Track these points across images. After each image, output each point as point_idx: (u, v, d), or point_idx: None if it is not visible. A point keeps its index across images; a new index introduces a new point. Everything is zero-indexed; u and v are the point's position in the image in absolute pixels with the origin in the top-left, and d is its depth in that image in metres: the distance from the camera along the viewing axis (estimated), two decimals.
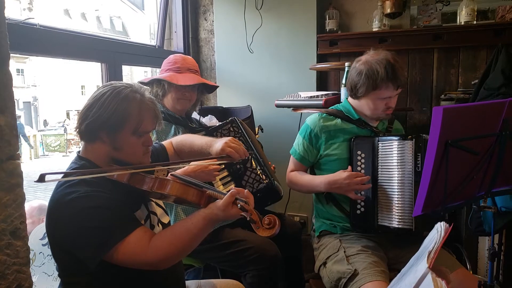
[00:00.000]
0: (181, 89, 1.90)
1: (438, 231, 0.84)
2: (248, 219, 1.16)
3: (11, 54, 0.92)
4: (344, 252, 1.62)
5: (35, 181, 1.00)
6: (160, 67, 2.02)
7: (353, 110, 1.79)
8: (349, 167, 1.69)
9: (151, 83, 1.93)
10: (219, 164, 1.87)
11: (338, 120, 1.79)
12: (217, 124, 2.05)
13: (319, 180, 1.73)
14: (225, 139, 1.49)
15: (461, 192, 1.30)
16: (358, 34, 2.59)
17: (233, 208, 1.15)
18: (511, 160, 1.34)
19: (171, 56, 2.00)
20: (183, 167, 1.56)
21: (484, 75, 2.18)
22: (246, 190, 1.20)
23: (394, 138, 1.62)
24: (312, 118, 1.82)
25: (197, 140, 1.58)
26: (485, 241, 2.31)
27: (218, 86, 2.13)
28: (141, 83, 1.93)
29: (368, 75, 1.64)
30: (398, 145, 1.59)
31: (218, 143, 1.49)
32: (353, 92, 1.74)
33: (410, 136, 1.58)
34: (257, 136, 2.40)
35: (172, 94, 1.92)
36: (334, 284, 1.57)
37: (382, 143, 1.65)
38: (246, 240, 1.79)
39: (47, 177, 1.00)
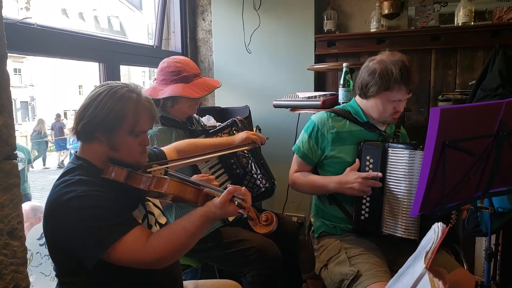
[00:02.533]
0: (196, 98, 1.86)
1: (435, 232, 0.85)
2: (245, 216, 1.16)
3: (8, 54, 0.91)
4: (346, 253, 1.61)
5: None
6: (158, 67, 1.95)
7: (362, 112, 1.74)
8: (357, 162, 1.65)
9: (162, 98, 1.84)
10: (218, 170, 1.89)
11: (347, 122, 1.74)
12: (217, 125, 2.03)
13: (329, 180, 1.68)
14: (245, 131, 1.83)
15: (459, 192, 1.30)
16: (356, 34, 2.59)
17: (230, 206, 1.15)
18: (508, 161, 1.34)
19: (171, 64, 1.88)
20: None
21: (481, 76, 2.19)
22: (243, 187, 1.20)
23: (405, 146, 1.57)
24: (319, 116, 1.76)
25: (211, 141, 1.80)
26: (482, 241, 2.32)
27: (220, 85, 2.08)
28: (156, 100, 1.78)
29: (381, 74, 1.59)
30: (409, 154, 1.54)
31: (240, 134, 1.81)
32: (363, 91, 1.68)
33: (421, 146, 1.53)
34: None
35: (183, 104, 1.87)
36: (337, 285, 1.56)
37: (392, 150, 1.59)
38: (247, 240, 1.78)
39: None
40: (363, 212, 1.64)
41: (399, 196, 1.56)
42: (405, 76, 1.58)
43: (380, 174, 1.59)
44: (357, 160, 1.66)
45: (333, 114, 1.76)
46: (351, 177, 1.61)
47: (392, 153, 1.60)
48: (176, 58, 1.92)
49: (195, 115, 2.13)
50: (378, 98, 1.65)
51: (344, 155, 1.70)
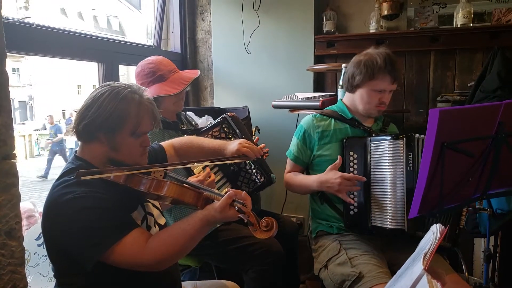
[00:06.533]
0: (176, 94, 1.87)
1: (434, 233, 0.85)
2: (245, 221, 1.16)
3: (7, 53, 0.91)
4: (346, 254, 1.61)
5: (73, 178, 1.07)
6: (134, 74, 1.94)
7: (347, 109, 1.80)
8: (339, 157, 1.67)
9: None
10: (213, 168, 1.87)
11: (332, 120, 1.79)
12: (208, 125, 2.01)
13: (312, 179, 1.72)
14: (238, 141, 1.60)
15: (457, 194, 1.30)
16: (355, 35, 2.60)
17: (230, 210, 1.14)
18: (506, 163, 1.34)
19: (144, 67, 1.88)
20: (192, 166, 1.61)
21: (480, 78, 2.19)
22: (243, 192, 1.19)
23: (385, 138, 1.61)
24: (306, 119, 1.84)
25: (206, 142, 1.63)
26: (480, 242, 2.32)
27: (198, 75, 2.03)
28: None
29: (367, 64, 1.67)
30: (389, 144, 1.58)
31: (232, 145, 1.58)
32: (350, 83, 1.75)
33: (401, 136, 1.57)
34: (254, 137, 2.39)
35: (167, 102, 1.87)
36: (338, 286, 1.56)
37: (374, 143, 1.64)
38: (250, 236, 1.78)
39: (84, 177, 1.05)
40: (351, 207, 1.66)
41: (384, 188, 1.59)
42: (389, 65, 1.65)
43: (364, 178, 1.61)
44: (339, 157, 1.68)
45: (318, 115, 1.82)
46: (331, 176, 1.63)
47: (373, 146, 1.64)
48: (148, 59, 1.92)
49: (188, 113, 2.12)
50: (363, 88, 1.71)
51: (331, 153, 1.74)
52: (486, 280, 1.43)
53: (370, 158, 1.64)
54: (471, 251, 2.37)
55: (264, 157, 1.89)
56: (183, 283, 1.47)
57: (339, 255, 1.63)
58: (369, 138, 1.66)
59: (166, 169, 1.25)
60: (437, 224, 0.87)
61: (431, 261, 0.75)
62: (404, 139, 1.55)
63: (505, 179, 1.40)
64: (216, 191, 1.23)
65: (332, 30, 2.63)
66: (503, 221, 1.92)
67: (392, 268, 1.61)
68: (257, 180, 1.92)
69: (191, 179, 1.60)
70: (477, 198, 1.41)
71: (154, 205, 1.37)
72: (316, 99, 2.27)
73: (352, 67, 1.73)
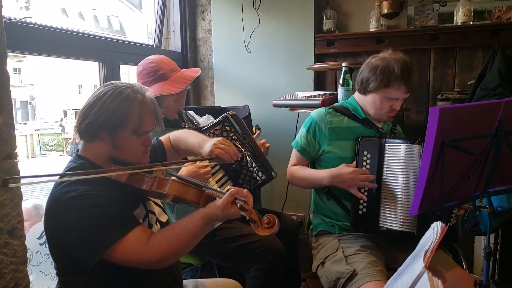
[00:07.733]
0: (178, 93, 1.88)
1: (435, 231, 0.85)
2: (247, 218, 1.16)
3: (8, 53, 0.92)
4: (343, 252, 1.61)
5: None
6: (136, 73, 1.95)
7: (360, 108, 1.77)
8: (354, 163, 1.67)
9: None
10: (214, 166, 1.87)
11: (345, 118, 1.76)
12: (209, 124, 2.01)
13: (323, 174, 1.70)
14: (214, 140, 1.40)
15: (457, 192, 1.30)
16: (355, 34, 2.60)
17: (232, 208, 1.15)
18: (507, 160, 1.34)
19: (146, 66, 1.89)
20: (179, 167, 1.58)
21: (480, 76, 2.19)
22: (245, 189, 1.20)
23: (401, 141, 1.60)
24: (318, 111, 1.80)
25: (191, 138, 1.51)
26: (481, 240, 2.32)
27: (199, 73, 2.03)
28: None
29: (383, 71, 1.62)
30: (406, 148, 1.57)
31: (207, 145, 1.39)
32: (362, 87, 1.71)
33: (418, 140, 1.56)
34: (254, 136, 2.39)
35: (169, 101, 1.88)
36: (333, 284, 1.57)
37: (389, 145, 1.62)
38: (251, 234, 1.79)
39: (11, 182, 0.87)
40: (360, 207, 1.65)
41: (396, 190, 1.59)
42: (406, 74, 1.61)
43: (373, 176, 1.61)
44: (354, 162, 1.67)
45: (331, 110, 1.79)
46: (344, 171, 1.63)
47: (389, 148, 1.63)
48: (149, 58, 1.93)
49: (188, 112, 2.12)
50: (376, 94, 1.68)
51: (341, 151, 1.72)
52: (487, 277, 1.43)
53: (384, 159, 1.63)
54: (472, 249, 2.38)
55: (262, 148, 1.91)
56: (184, 281, 1.48)
57: (336, 253, 1.64)
58: (384, 140, 1.65)
59: (168, 168, 1.26)
60: (438, 222, 0.87)
61: (433, 258, 0.76)
62: (422, 144, 1.54)
63: (505, 177, 1.40)
64: (218, 189, 1.23)
65: (332, 29, 2.63)
66: (504, 219, 1.92)
67: (393, 266, 1.61)
68: (258, 178, 1.92)
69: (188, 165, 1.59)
70: (478, 196, 1.41)
71: (155, 203, 1.38)
72: (317, 98, 2.28)
73: (367, 71, 1.68)
